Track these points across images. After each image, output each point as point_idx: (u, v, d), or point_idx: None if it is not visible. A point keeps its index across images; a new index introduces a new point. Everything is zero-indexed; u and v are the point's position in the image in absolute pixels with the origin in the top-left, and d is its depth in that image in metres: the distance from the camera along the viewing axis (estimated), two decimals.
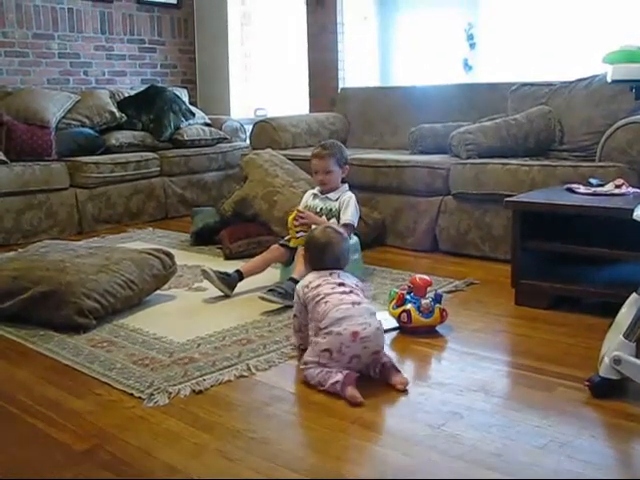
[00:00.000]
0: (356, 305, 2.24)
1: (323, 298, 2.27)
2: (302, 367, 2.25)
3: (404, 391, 2.14)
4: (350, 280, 2.39)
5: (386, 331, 2.63)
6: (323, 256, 2.43)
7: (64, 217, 4.80)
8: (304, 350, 2.35)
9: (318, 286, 2.32)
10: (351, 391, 2.07)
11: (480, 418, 1.96)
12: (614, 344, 2.05)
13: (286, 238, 3.35)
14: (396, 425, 1.93)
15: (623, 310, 2.17)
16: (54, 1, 5.77)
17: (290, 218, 3.27)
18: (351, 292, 2.31)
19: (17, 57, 5.58)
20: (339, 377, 2.10)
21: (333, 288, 2.30)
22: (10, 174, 4.52)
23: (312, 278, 2.38)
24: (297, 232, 3.23)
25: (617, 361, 2.01)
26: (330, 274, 2.37)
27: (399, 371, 2.20)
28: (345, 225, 3.25)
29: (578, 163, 3.60)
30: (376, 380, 2.21)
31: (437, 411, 2.00)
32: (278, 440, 1.87)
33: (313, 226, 3.10)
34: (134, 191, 5.21)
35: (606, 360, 2.04)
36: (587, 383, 2.10)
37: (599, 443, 1.83)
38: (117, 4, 6.25)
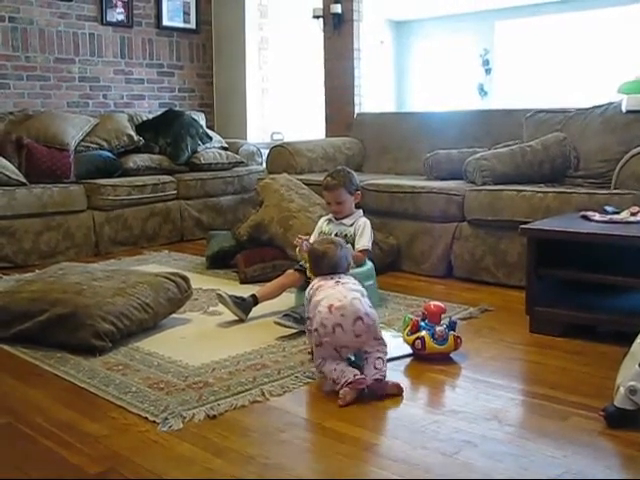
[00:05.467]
0: (338, 285, 2.49)
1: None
2: (316, 366, 2.42)
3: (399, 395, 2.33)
4: (347, 279, 2.61)
5: (400, 357, 2.66)
6: (320, 264, 2.67)
7: (81, 239, 4.85)
8: None
9: (319, 287, 2.55)
10: (344, 392, 2.24)
11: (493, 447, 1.95)
12: (630, 374, 2.04)
13: (303, 264, 3.36)
14: (410, 453, 1.93)
15: (638, 340, 2.16)
16: (76, 26, 5.89)
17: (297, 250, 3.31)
18: (340, 282, 2.54)
19: (39, 81, 5.68)
20: (349, 377, 2.26)
21: (330, 287, 2.52)
22: (29, 196, 4.58)
23: (316, 281, 2.62)
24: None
25: (633, 391, 2.00)
26: (331, 277, 2.60)
27: (397, 387, 2.36)
28: (362, 251, 3.37)
29: (593, 190, 3.60)
30: (390, 407, 2.23)
31: (450, 439, 2.00)
32: (292, 466, 1.87)
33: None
34: (150, 214, 5.26)
35: (621, 390, 2.03)
36: (602, 413, 2.09)
37: (614, 474, 1.82)
38: (137, 29, 6.36)
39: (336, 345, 2.34)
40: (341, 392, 2.24)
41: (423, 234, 4.18)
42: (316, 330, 2.37)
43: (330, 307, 2.36)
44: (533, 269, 2.99)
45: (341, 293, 2.43)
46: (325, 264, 2.65)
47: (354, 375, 2.27)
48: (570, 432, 2.04)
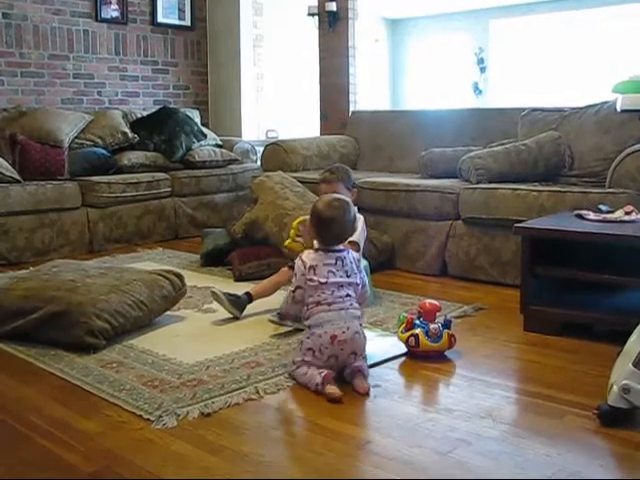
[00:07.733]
0: (342, 311, 2.42)
1: (317, 289, 2.44)
2: (292, 369, 2.44)
3: (366, 395, 2.30)
4: (347, 264, 2.51)
5: (395, 357, 2.66)
6: (328, 231, 2.54)
7: (75, 236, 4.84)
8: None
9: (316, 268, 2.47)
10: (329, 388, 2.27)
11: (488, 445, 1.95)
12: (623, 372, 2.04)
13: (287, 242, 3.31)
14: (404, 451, 1.93)
15: (632, 338, 2.16)
16: (70, 23, 5.87)
17: (295, 223, 3.21)
18: (342, 286, 2.46)
19: (33, 77, 5.66)
20: (318, 379, 2.30)
21: (330, 282, 2.44)
22: (23, 193, 4.56)
23: (312, 254, 2.52)
24: (297, 237, 3.21)
25: (626, 390, 2.01)
26: (330, 255, 2.50)
27: (365, 377, 2.38)
28: (350, 242, 3.28)
29: (588, 189, 3.61)
30: (384, 405, 2.23)
31: (445, 438, 2.00)
32: (286, 464, 1.87)
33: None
34: (145, 211, 5.25)
35: (615, 389, 2.04)
36: (596, 411, 2.09)
37: (608, 473, 1.82)
38: (132, 26, 6.34)
39: (322, 364, 2.38)
40: (327, 392, 2.25)
41: (418, 232, 4.18)
42: (311, 349, 2.38)
43: (333, 338, 2.36)
44: (527, 268, 2.99)
45: (343, 319, 2.40)
46: (331, 232, 2.53)
47: (320, 373, 2.31)
48: (564, 431, 2.04)
